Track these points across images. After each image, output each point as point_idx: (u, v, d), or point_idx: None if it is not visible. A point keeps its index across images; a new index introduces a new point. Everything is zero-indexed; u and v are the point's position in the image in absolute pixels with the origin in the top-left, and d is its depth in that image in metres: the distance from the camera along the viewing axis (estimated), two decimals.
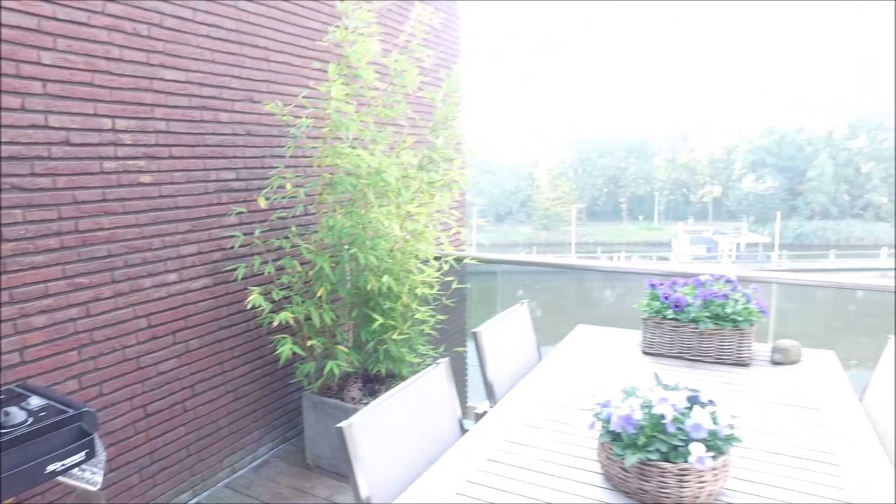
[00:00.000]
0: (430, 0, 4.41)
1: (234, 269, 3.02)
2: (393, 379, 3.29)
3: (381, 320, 3.01)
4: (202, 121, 2.87)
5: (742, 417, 1.85)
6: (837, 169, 51.01)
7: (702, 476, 1.38)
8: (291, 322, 2.96)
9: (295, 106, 3.28)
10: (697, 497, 1.39)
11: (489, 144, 59.63)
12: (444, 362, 2.06)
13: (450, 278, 3.46)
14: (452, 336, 4.08)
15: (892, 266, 39.96)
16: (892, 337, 2.19)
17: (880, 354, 2.24)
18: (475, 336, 2.38)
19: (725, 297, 2.34)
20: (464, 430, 2.01)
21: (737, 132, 56.81)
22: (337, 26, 3.04)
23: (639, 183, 59.48)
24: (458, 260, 3.66)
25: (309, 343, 3.09)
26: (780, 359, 2.33)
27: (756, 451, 1.66)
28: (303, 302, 3.07)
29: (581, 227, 55.40)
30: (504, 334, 2.59)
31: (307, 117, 3.08)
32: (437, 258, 3.40)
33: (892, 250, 42.37)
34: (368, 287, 2.97)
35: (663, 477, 1.38)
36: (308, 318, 3.08)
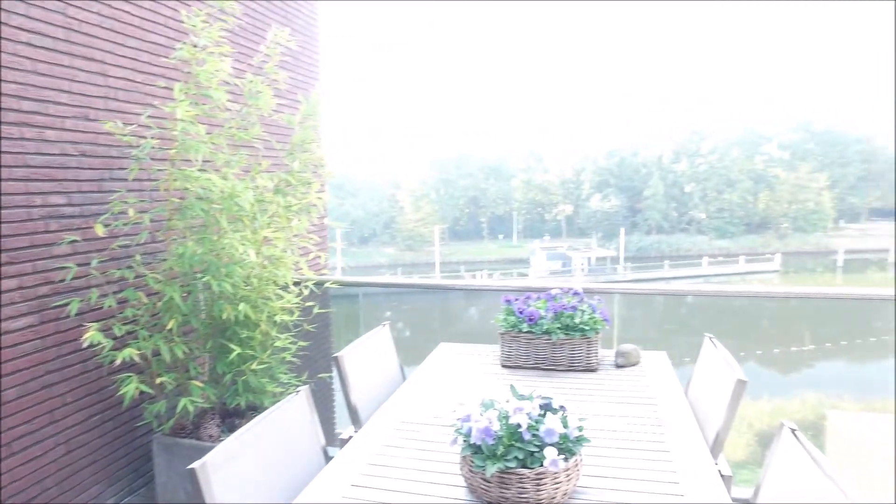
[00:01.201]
0: (290, 12, 4.35)
1: (66, 305, 2.71)
2: (254, 411, 3.13)
3: (238, 350, 2.86)
4: (22, 138, 2.57)
5: (591, 419, 2.00)
6: (667, 189, 57.31)
7: (556, 477, 1.47)
8: (137, 359, 2.71)
9: (138, 126, 3.05)
10: (553, 497, 1.48)
11: (351, 164, 59.45)
12: (304, 390, 2.00)
13: (311, 303, 3.39)
14: (317, 362, 3.98)
15: (712, 273, 45.68)
16: (708, 335, 2.50)
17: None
18: (336, 361, 2.35)
19: (574, 308, 2.53)
20: (328, 458, 1.97)
21: (584, 154, 61.83)
22: (185, 43, 2.89)
23: (498, 203, 62.42)
24: (319, 284, 3.60)
25: (158, 380, 2.86)
26: (623, 362, 2.56)
27: (604, 449, 1.80)
28: (150, 336, 2.83)
29: (444, 247, 56.84)
30: (366, 357, 2.58)
31: (152, 138, 2.88)
32: (296, 283, 3.31)
33: (710, 259, 48.48)
34: (224, 316, 2.82)
35: (522, 483, 1.45)
36: (157, 354, 2.85)
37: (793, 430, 1.53)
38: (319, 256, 3.86)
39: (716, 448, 1.99)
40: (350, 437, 2.07)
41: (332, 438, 2.34)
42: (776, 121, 60.11)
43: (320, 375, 3.80)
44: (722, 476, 1.99)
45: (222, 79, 2.91)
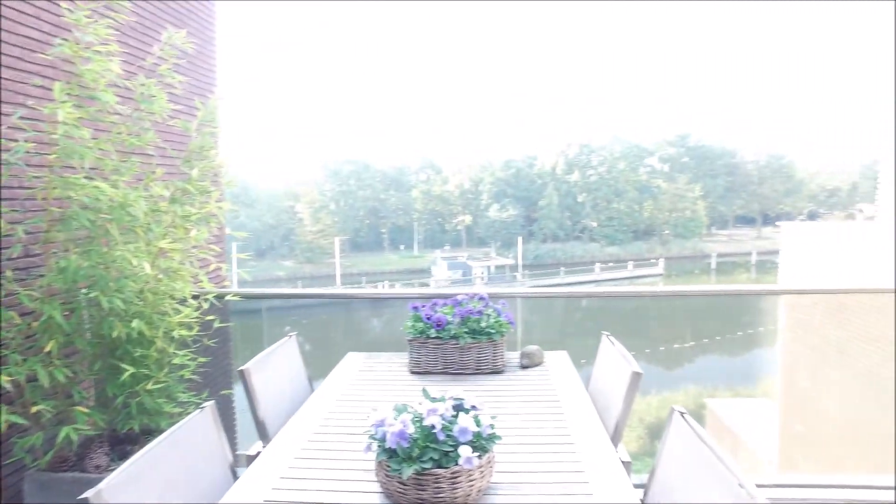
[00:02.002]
0: (185, 13, 4.15)
1: None
2: (149, 435, 2.94)
3: (131, 370, 2.68)
4: None
5: (501, 418, 2.06)
6: (561, 199, 60.09)
7: (471, 475, 1.51)
8: (9, 386, 2.47)
9: (8, 127, 2.79)
10: (469, 495, 1.51)
11: (248, 174, 57.18)
12: (209, 406, 1.92)
13: (211, 317, 3.24)
14: (217, 379, 3.80)
15: (604, 278, 48.38)
16: (605, 333, 2.66)
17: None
18: (242, 374, 2.27)
19: (480, 312, 2.60)
20: (237, 477, 1.90)
21: (481, 165, 63.44)
22: (65, 39, 2.68)
23: (399, 214, 62.56)
24: (220, 297, 3.45)
25: (34, 409, 2.60)
26: (527, 362, 2.67)
27: (514, 445, 1.87)
28: (24, 361, 2.58)
29: (345, 258, 56.06)
30: (273, 370, 2.51)
31: (25, 141, 2.64)
32: (195, 297, 3.15)
33: (602, 265, 51.37)
34: (115, 334, 2.63)
35: (438, 483, 1.48)
36: (33, 379, 2.60)
37: (682, 414, 1.67)
38: (220, 268, 3.70)
39: (616, 437, 2.12)
40: (258, 454, 2.01)
41: (236, 458, 2.24)
42: (657, 136, 64.95)
43: (222, 392, 3.63)
44: (622, 462, 2.13)
45: (111, 80, 2.73)
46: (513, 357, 2.81)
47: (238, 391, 2.92)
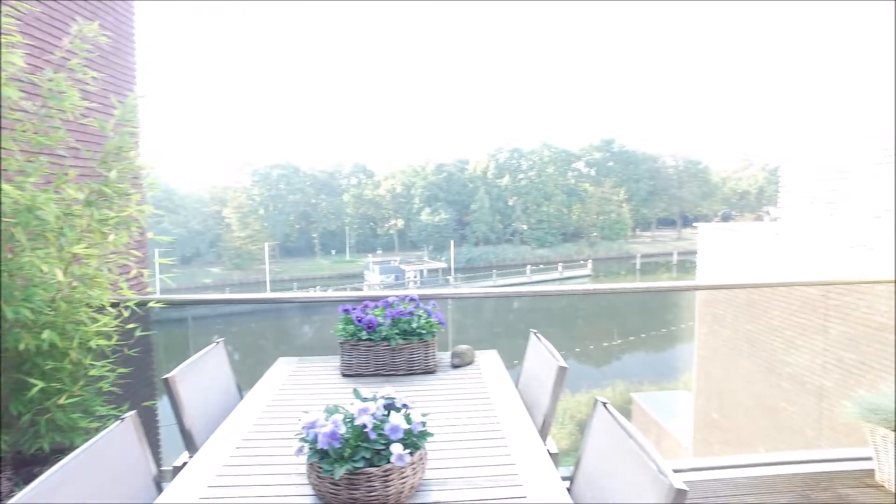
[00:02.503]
0: (100, 8, 3.94)
1: None
2: (60, 454, 2.76)
3: (40, 385, 2.52)
4: None
5: (433, 416, 2.09)
6: (492, 203, 61.03)
7: (403, 472, 1.53)
8: None
9: None
10: (402, 492, 1.53)
11: (172, 178, 54.71)
12: (129, 417, 1.85)
13: (132, 325, 3.10)
14: (140, 391, 3.63)
15: (535, 279, 49.52)
16: (533, 331, 2.75)
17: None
18: (167, 383, 2.19)
19: (411, 313, 2.62)
20: (161, 490, 1.83)
21: (413, 170, 63.50)
22: None
23: (330, 218, 61.66)
24: (142, 304, 3.30)
25: None
26: (458, 362, 2.71)
27: (447, 442, 1.90)
28: None
29: (275, 264, 54.71)
30: (200, 377, 2.43)
31: None
32: (114, 305, 3.01)
33: (533, 267, 52.56)
34: (21, 347, 2.47)
35: (370, 481, 1.49)
36: None
37: (604, 404, 1.75)
38: (142, 274, 3.54)
39: (544, 430, 2.19)
40: (184, 464, 1.94)
41: (161, 472, 2.14)
42: (584, 141, 67.15)
43: (145, 404, 3.47)
44: (550, 454, 2.20)
45: (13, 73, 2.56)
46: (444, 357, 2.84)
47: (163, 403, 2.80)
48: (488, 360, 2.81)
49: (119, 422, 1.80)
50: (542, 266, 54.80)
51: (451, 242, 56.94)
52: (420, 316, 2.63)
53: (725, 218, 66.27)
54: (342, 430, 1.52)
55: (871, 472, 3.39)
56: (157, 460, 3.72)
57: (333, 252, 61.39)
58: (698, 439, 8.31)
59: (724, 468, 3.46)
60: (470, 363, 2.74)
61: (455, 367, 2.71)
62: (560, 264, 54.13)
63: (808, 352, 6.30)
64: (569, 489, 1.88)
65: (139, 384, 3.65)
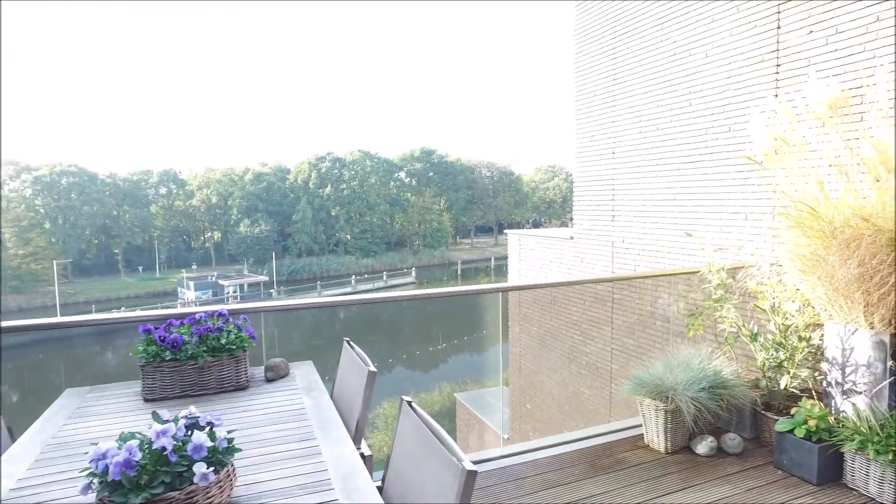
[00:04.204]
0: None
1: None
2: None
3: None
4: None
5: (244, 430, 2.05)
6: (315, 213, 59.93)
7: (208, 492, 1.49)
8: None
9: None
10: None
11: None
12: None
13: None
14: None
15: (360, 289, 49.61)
16: (346, 339, 2.81)
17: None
18: None
19: (220, 329, 2.53)
20: None
21: (230, 179, 60.00)
22: None
23: (135, 232, 55.82)
24: None
25: None
26: (272, 375, 2.67)
27: (261, 456, 1.87)
28: None
29: (67, 285, 48.18)
30: None
31: None
32: None
33: (358, 277, 52.65)
34: None
35: None
36: None
37: (409, 403, 1.86)
38: None
39: (358, 434, 2.26)
40: None
41: None
42: (404, 150, 68.89)
43: None
44: (365, 457, 2.27)
45: None
46: (258, 372, 2.78)
47: None
48: (304, 372, 2.80)
49: None
50: (366, 276, 55.11)
51: (273, 254, 54.81)
52: (230, 331, 2.55)
53: (536, 225, 72.50)
54: (138, 456, 1.44)
55: (641, 437, 3.98)
56: None
57: (140, 269, 55.60)
58: (515, 429, 8.98)
59: (530, 451, 3.82)
60: (285, 376, 2.72)
61: (269, 380, 2.66)
62: (385, 273, 54.90)
63: (600, 341, 7.17)
64: (380, 488, 1.97)
65: None
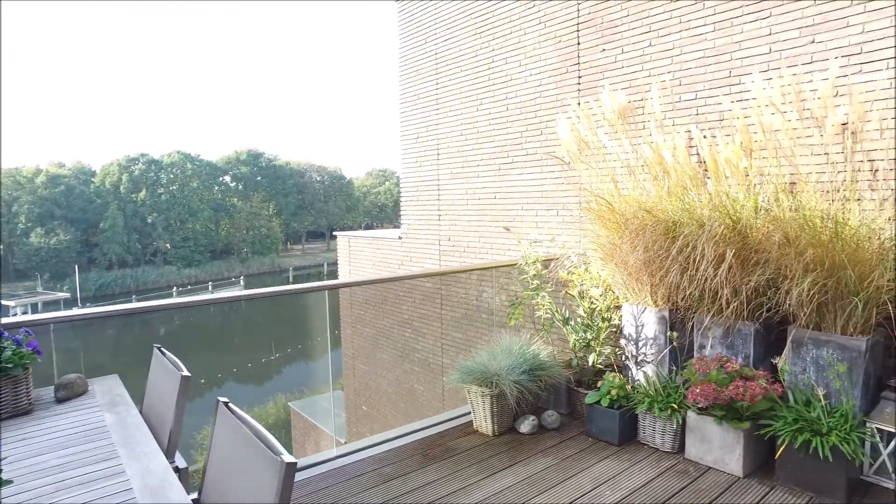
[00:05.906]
0: None
1: None
2: None
3: None
4: None
5: (24, 460, 1.77)
6: (128, 220, 54.02)
7: None
8: None
9: None
10: None
11: None
12: None
13: None
14: None
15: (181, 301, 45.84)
16: (157, 346, 2.57)
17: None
18: None
19: None
20: None
21: (15, 181, 51.76)
22: None
23: None
24: None
25: None
26: (66, 394, 2.35)
27: (50, 484, 1.63)
28: None
29: None
30: None
31: None
32: None
33: (180, 288, 48.57)
34: None
35: None
36: None
37: (225, 403, 1.75)
38: None
39: (171, 447, 2.07)
40: None
41: None
42: (229, 153, 64.95)
43: None
44: (179, 470, 2.10)
45: None
46: (47, 392, 2.43)
47: None
48: (106, 387, 2.51)
49: None
50: (189, 287, 51.03)
51: (76, 267, 48.42)
52: (6, 347, 2.19)
53: (368, 228, 72.69)
54: None
55: (471, 423, 4.17)
56: None
57: None
58: (352, 432, 8.90)
59: (365, 449, 3.81)
60: (82, 394, 2.41)
61: (61, 400, 2.34)
62: (210, 283, 51.31)
63: (430, 337, 7.38)
64: (196, 499, 1.82)
65: None
